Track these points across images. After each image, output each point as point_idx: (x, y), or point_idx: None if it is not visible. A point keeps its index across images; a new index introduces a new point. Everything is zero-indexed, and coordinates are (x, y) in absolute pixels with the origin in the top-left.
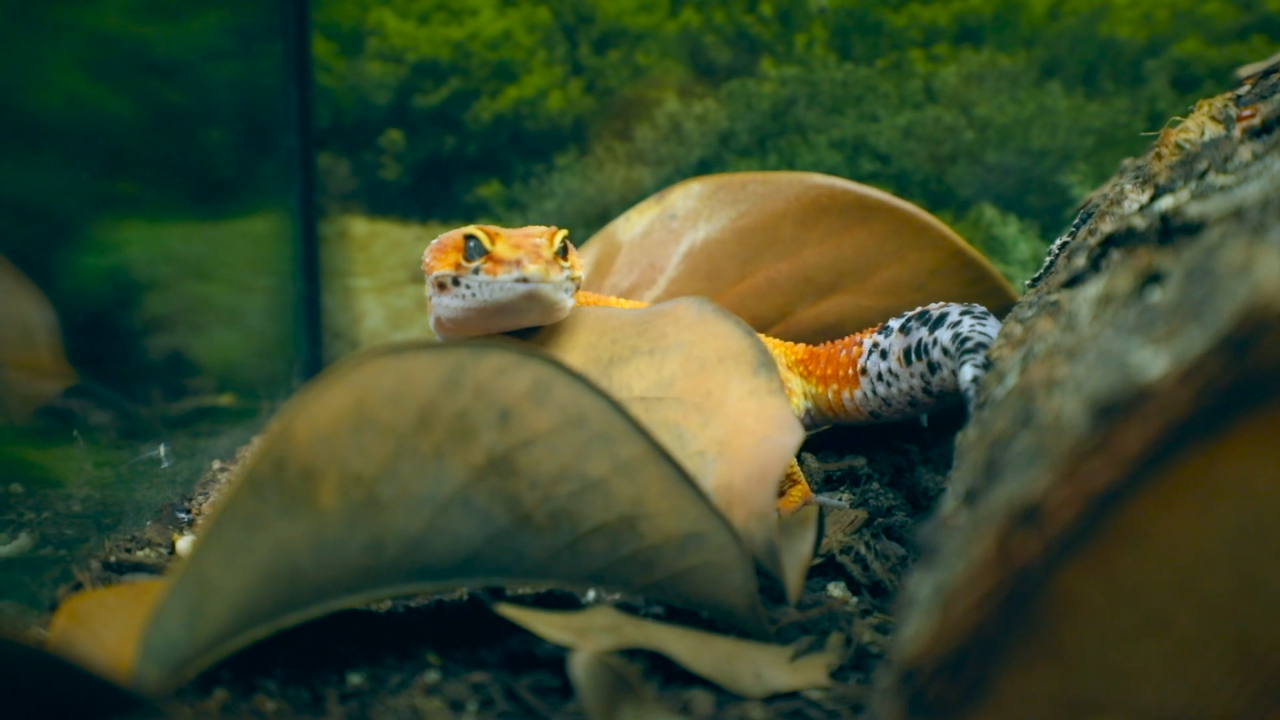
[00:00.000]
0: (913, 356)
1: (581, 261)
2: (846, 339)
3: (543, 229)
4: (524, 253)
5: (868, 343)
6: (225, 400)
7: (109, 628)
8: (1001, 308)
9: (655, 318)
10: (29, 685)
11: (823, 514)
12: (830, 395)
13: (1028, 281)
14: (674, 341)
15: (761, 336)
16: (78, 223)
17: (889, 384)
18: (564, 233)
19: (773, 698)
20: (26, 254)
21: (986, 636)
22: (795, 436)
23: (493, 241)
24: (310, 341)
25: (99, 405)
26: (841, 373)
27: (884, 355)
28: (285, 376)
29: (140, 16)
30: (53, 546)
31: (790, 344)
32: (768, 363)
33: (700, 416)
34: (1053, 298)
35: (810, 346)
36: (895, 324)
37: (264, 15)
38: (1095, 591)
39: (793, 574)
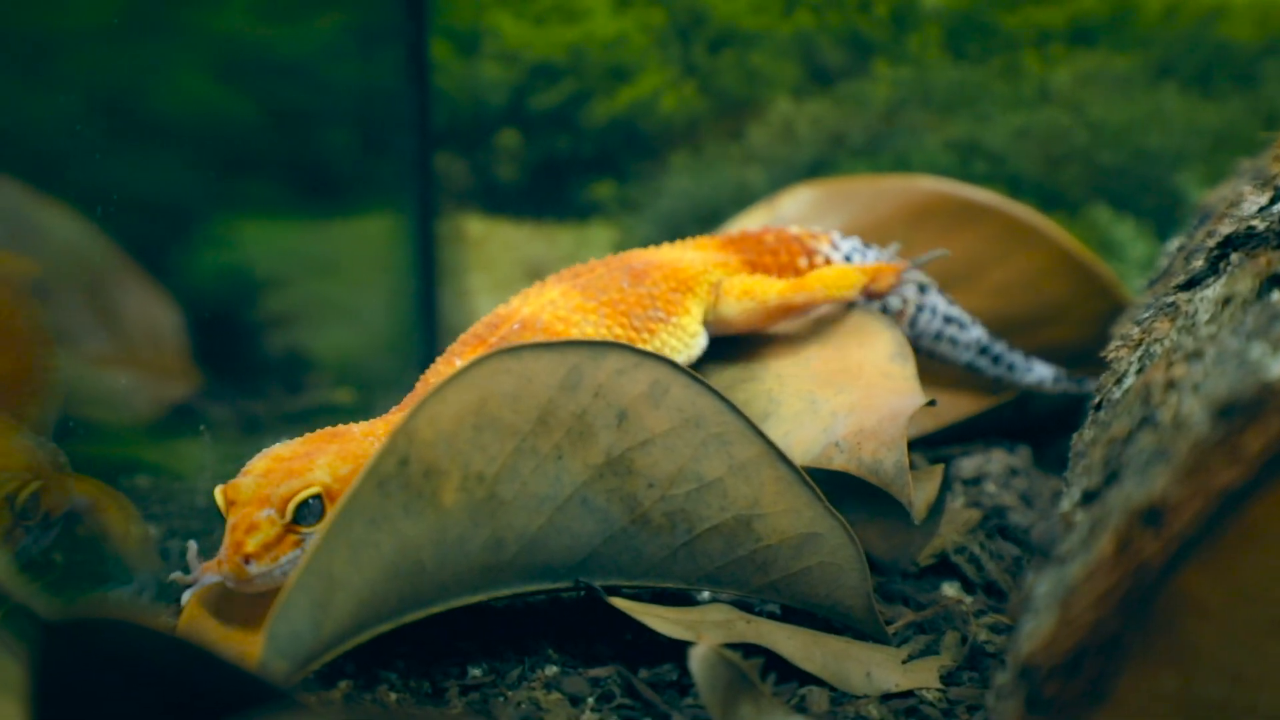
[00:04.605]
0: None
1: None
2: (769, 242)
3: (294, 481)
4: (225, 546)
5: (837, 259)
6: (343, 396)
7: (234, 621)
8: (1114, 309)
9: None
10: (168, 674)
11: (949, 465)
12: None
13: (1145, 284)
14: (814, 332)
15: (691, 246)
16: (201, 222)
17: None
18: (313, 490)
19: (888, 696)
20: (152, 253)
21: (1105, 635)
22: (924, 398)
23: (228, 508)
24: (426, 338)
25: (222, 402)
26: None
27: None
28: (401, 373)
29: (262, 19)
30: (179, 539)
31: (723, 261)
32: (904, 353)
33: (834, 388)
34: (1170, 299)
35: (740, 259)
36: (843, 245)
37: (383, 17)
38: (1216, 592)
39: (920, 496)
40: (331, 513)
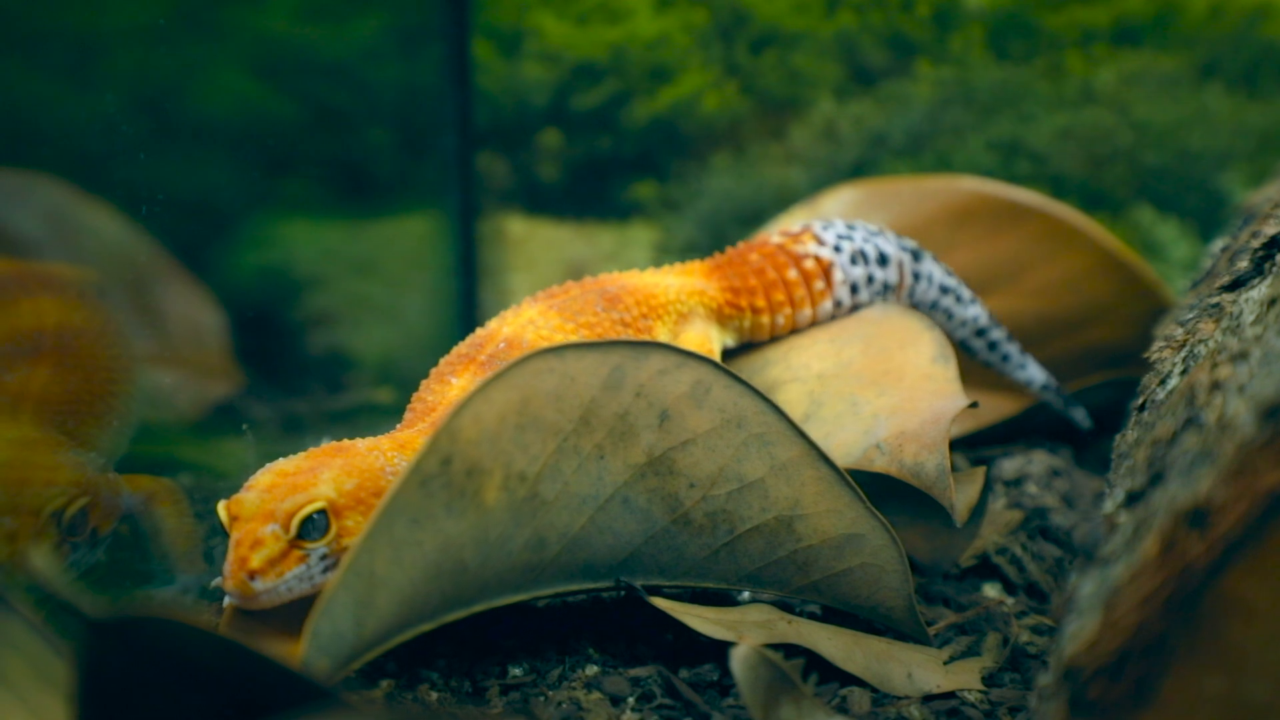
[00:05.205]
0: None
1: None
2: (753, 261)
3: (298, 496)
4: (230, 561)
5: (826, 254)
6: (383, 395)
7: (274, 622)
8: (1156, 310)
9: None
10: (213, 673)
11: (990, 466)
12: (781, 320)
13: (1188, 285)
14: (856, 333)
15: (676, 272)
16: (244, 221)
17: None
18: (317, 505)
19: (929, 697)
20: (195, 253)
21: (1149, 637)
22: (966, 400)
23: (231, 524)
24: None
25: (264, 401)
26: (798, 293)
27: (854, 260)
28: None
29: (304, 19)
30: (222, 538)
31: (700, 289)
32: (946, 355)
33: (876, 389)
34: (1214, 300)
35: (722, 285)
36: (827, 234)
37: (425, 17)
38: (1262, 593)
39: (961, 499)
40: (374, 511)
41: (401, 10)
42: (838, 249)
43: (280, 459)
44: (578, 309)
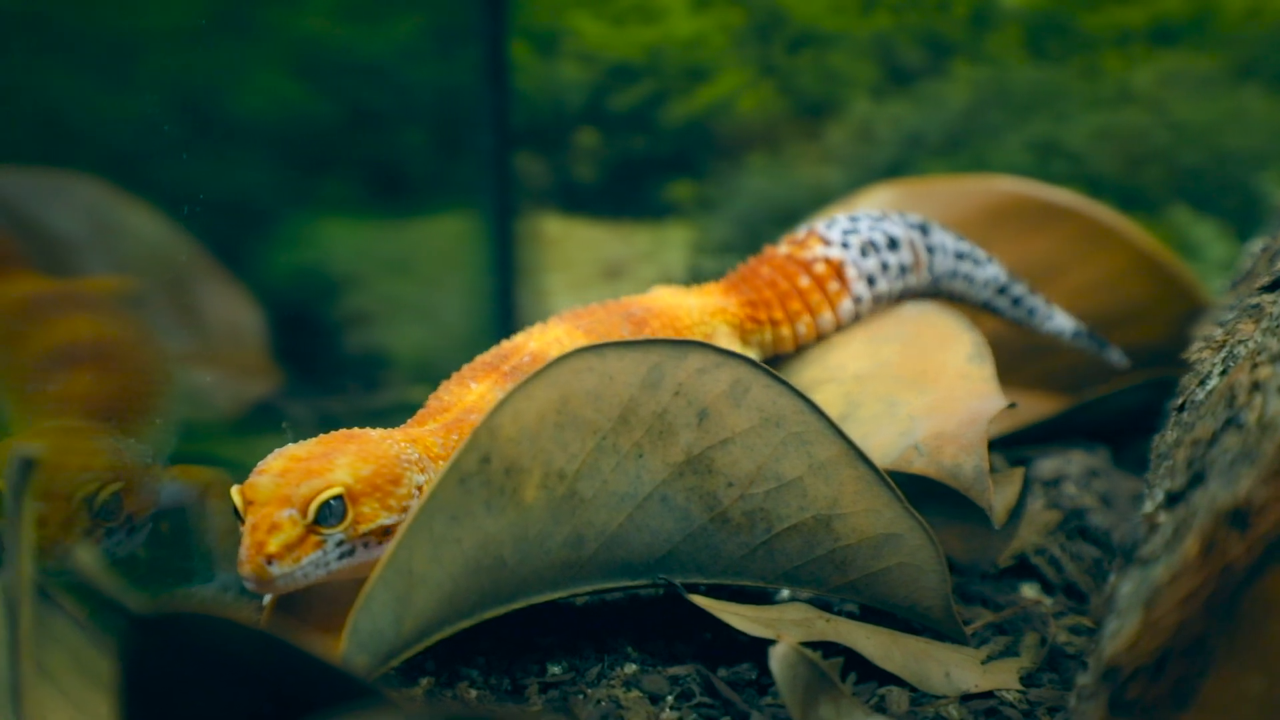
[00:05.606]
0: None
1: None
2: (765, 275)
3: (315, 480)
4: (246, 545)
5: (835, 253)
6: (419, 394)
7: (312, 620)
8: (1193, 310)
9: (875, 314)
10: (257, 669)
11: (1029, 470)
12: (802, 328)
13: (1226, 286)
14: (893, 332)
15: (694, 292)
16: (282, 221)
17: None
18: (334, 490)
19: (967, 697)
20: (233, 252)
21: (1190, 637)
22: (1004, 401)
23: (246, 508)
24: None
25: (302, 399)
26: (814, 298)
27: (864, 252)
28: None
29: (341, 19)
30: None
31: (721, 307)
32: (983, 354)
33: (913, 389)
34: (1254, 300)
35: (740, 300)
36: (832, 233)
37: (461, 18)
38: None
39: (1000, 501)
40: (414, 508)
41: (439, 11)
42: (845, 245)
43: (290, 444)
44: (604, 330)
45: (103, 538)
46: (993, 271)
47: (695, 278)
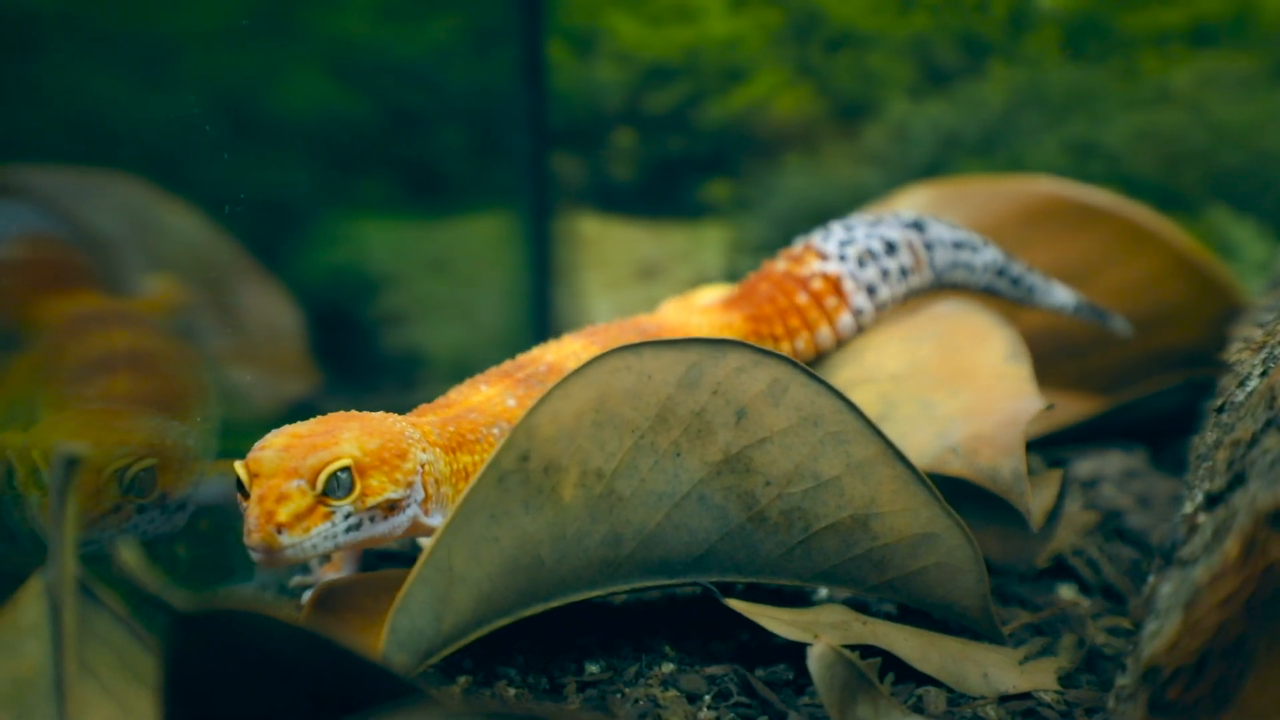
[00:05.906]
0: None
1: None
2: (764, 291)
3: (323, 453)
4: (254, 515)
5: (832, 268)
6: None
7: (349, 619)
8: (1232, 311)
9: (910, 313)
10: (299, 666)
11: (1067, 472)
12: (801, 344)
13: (1265, 286)
14: (929, 331)
15: (698, 311)
16: (320, 221)
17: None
18: (343, 462)
19: (1005, 698)
20: (271, 251)
21: (1230, 638)
22: (1042, 403)
23: (251, 481)
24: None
25: (340, 398)
26: (811, 315)
27: (862, 262)
28: None
29: (379, 20)
30: None
31: (728, 323)
32: (1020, 352)
33: (949, 390)
34: None
35: (743, 316)
36: (828, 245)
37: (499, 18)
38: None
39: (1037, 503)
40: (452, 507)
41: (476, 11)
42: (843, 257)
43: (289, 424)
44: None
45: (133, 514)
46: (990, 255)
47: (732, 278)
